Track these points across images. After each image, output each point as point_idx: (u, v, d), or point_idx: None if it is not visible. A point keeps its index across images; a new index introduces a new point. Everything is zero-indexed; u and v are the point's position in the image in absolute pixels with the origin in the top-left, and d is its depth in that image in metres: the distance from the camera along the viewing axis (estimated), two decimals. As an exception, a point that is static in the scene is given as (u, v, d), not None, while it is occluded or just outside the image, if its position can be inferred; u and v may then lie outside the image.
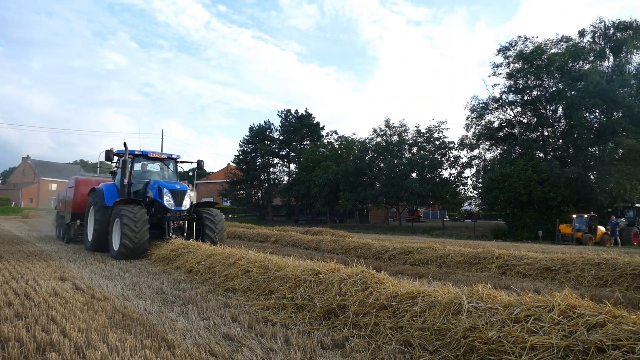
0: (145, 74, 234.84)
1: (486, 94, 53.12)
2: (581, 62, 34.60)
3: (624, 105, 31.45)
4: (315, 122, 57.26)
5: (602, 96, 31.40)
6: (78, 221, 15.57)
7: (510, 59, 36.31)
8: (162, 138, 50.02)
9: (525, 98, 36.48)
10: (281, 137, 56.46)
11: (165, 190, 11.95)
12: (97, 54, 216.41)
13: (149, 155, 13.42)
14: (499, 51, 37.25)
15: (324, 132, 56.61)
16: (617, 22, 34.12)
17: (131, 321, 4.94)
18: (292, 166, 56.85)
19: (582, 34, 35.57)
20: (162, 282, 7.74)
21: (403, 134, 42.81)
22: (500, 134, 38.55)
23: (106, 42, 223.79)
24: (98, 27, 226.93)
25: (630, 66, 34.44)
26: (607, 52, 34.76)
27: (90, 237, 13.20)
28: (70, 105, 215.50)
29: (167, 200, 11.91)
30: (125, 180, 12.55)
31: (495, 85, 46.99)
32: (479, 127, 38.80)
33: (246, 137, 56.82)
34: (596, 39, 35.20)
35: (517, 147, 36.47)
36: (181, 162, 14.15)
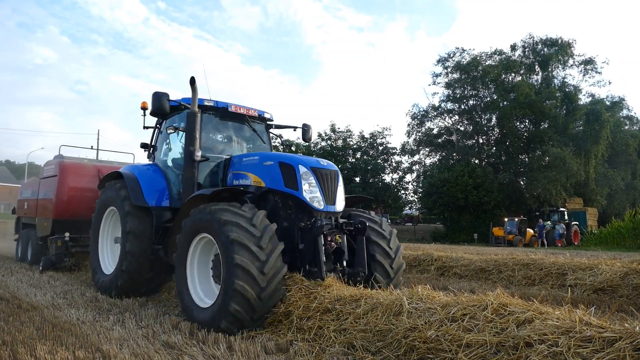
0: (78, 71, 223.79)
1: (426, 102, 55.18)
2: (513, 75, 36.83)
3: (550, 116, 33.85)
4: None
5: (531, 107, 33.61)
6: (67, 234, 9.61)
7: (449, 69, 38.02)
8: (98, 139, 47.51)
9: (462, 107, 38.32)
10: (225, 140, 55.51)
11: (303, 171, 5.61)
12: (23, 47, 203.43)
13: (230, 110, 7.09)
14: (438, 61, 38.90)
15: (268, 136, 56.25)
16: (544, 38, 36.68)
17: (62, 332, 4.65)
18: (236, 169, 56.03)
19: (513, 48, 37.88)
20: (97, 289, 7.37)
21: (348, 139, 43.50)
22: (439, 140, 40.21)
23: (33, 35, 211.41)
24: (24, 19, 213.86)
25: (556, 80, 37.13)
26: (536, 66, 37.23)
27: (109, 268, 7.27)
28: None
29: (309, 191, 5.57)
30: (198, 154, 6.11)
31: (434, 93, 48.81)
32: (420, 134, 40.35)
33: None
34: (526, 53, 37.61)
35: (454, 154, 38.23)
36: (277, 126, 8.09)
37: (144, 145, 7.78)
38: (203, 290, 5.31)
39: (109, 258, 7.52)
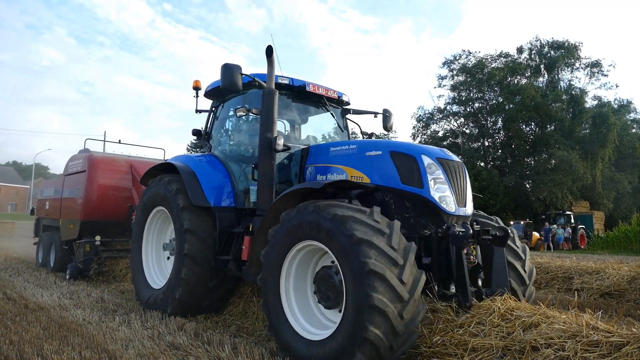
0: (84, 72, 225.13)
1: (432, 105, 55.23)
2: (519, 77, 36.76)
3: (556, 119, 33.73)
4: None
5: (537, 110, 33.51)
6: (98, 238, 8.63)
7: (454, 72, 37.99)
8: (105, 140, 47.64)
9: (468, 110, 38.25)
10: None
11: (428, 162, 4.40)
12: (30, 48, 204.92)
13: (308, 89, 6.01)
14: (444, 64, 38.87)
15: (274, 138, 56.36)
16: (551, 41, 36.57)
17: (69, 332, 4.68)
18: (241, 171, 56.16)
19: (520, 50, 37.78)
20: (102, 290, 7.40)
21: (352, 141, 43.54)
22: (445, 143, 40.14)
23: (41, 36, 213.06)
24: (31, 20, 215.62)
25: (562, 82, 37.01)
26: (542, 69, 37.13)
27: (158, 281, 6.13)
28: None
29: (436, 189, 4.35)
30: (280, 143, 5.02)
31: (440, 96, 48.63)
32: (425, 137, 40.31)
33: (194, 142, 55.61)
34: (532, 56, 37.52)
35: (460, 156, 38.09)
36: (355, 111, 6.91)
37: (196, 133, 6.72)
38: (305, 317, 4.02)
39: (155, 269, 6.31)
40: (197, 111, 6.56)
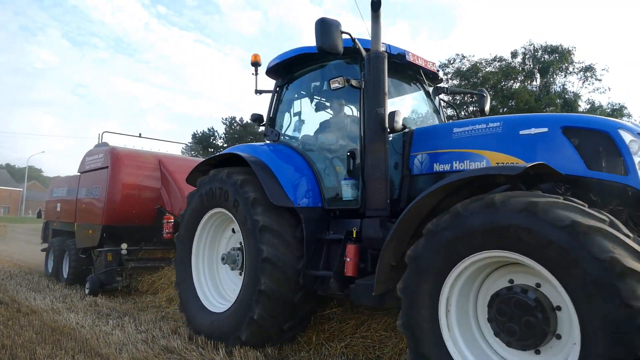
0: (79, 74, 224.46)
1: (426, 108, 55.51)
2: (512, 81, 37.03)
3: (550, 123, 34.00)
4: (260, 130, 56.96)
5: (531, 113, 33.79)
6: (124, 245, 7.34)
7: (449, 76, 38.18)
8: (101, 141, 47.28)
9: (463, 113, 38.43)
10: (225, 145, 55.70)
11: (630, 140, 3.18)
12: (23, 49, 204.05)
13: (408, 59, 4.81)
14: (438, 67, 39.11)
15: (269, 141, 56.40)
16: (545, 45, 36.87)
17: (62, 336, 4.66)
18: (236, 174, 56.10)
19: (514, 54, 38.05)
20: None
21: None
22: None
23: (34, 38, 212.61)
24: (25, 21, 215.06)
25: (555, 86, 37.32)
26: (536, 73, 37.42)
27: (217, 303, 4.94)
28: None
29: None
30: (399, 120, 3.82)
31: (435, 99, 48.92)
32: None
33: (189, 144, 55.54)
34: (526, 60, 37.79)
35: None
36: (451, 90, 6.07)
37: (256, 118, 5.57)
38: (469, 348, 2.90)
39: (210, 289, 5.10)
40: (257, 92, 5.57)
